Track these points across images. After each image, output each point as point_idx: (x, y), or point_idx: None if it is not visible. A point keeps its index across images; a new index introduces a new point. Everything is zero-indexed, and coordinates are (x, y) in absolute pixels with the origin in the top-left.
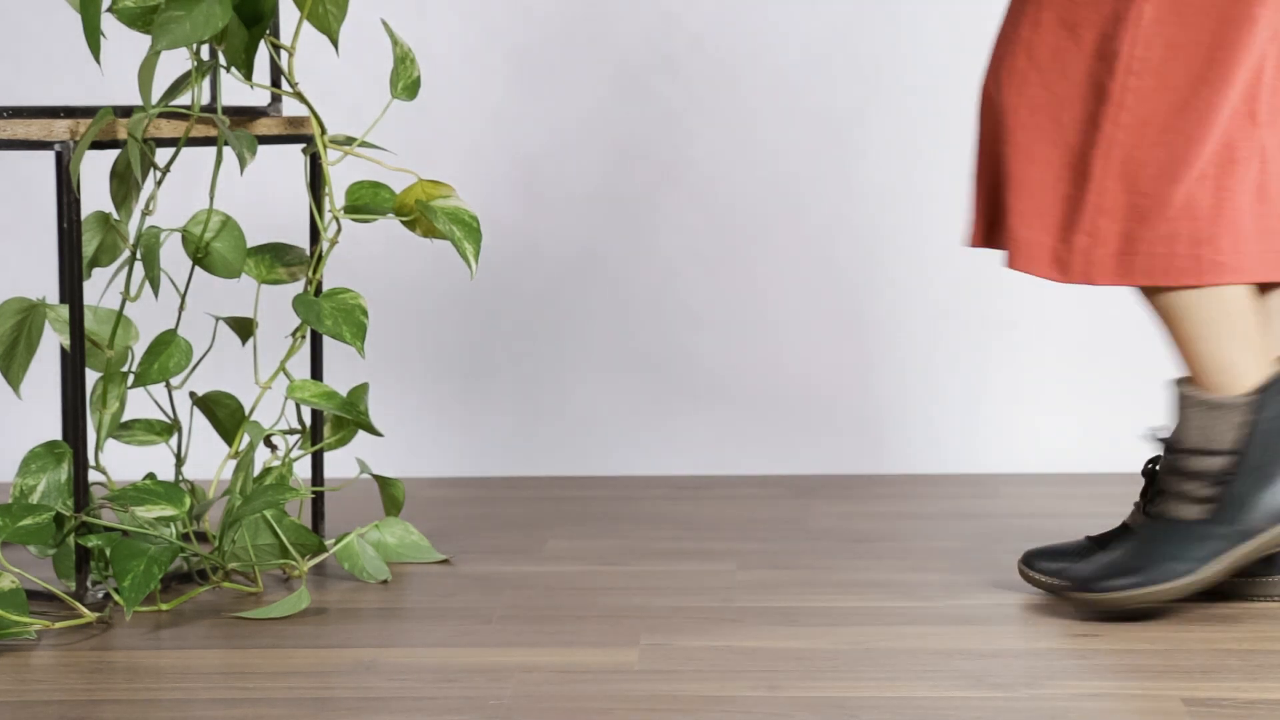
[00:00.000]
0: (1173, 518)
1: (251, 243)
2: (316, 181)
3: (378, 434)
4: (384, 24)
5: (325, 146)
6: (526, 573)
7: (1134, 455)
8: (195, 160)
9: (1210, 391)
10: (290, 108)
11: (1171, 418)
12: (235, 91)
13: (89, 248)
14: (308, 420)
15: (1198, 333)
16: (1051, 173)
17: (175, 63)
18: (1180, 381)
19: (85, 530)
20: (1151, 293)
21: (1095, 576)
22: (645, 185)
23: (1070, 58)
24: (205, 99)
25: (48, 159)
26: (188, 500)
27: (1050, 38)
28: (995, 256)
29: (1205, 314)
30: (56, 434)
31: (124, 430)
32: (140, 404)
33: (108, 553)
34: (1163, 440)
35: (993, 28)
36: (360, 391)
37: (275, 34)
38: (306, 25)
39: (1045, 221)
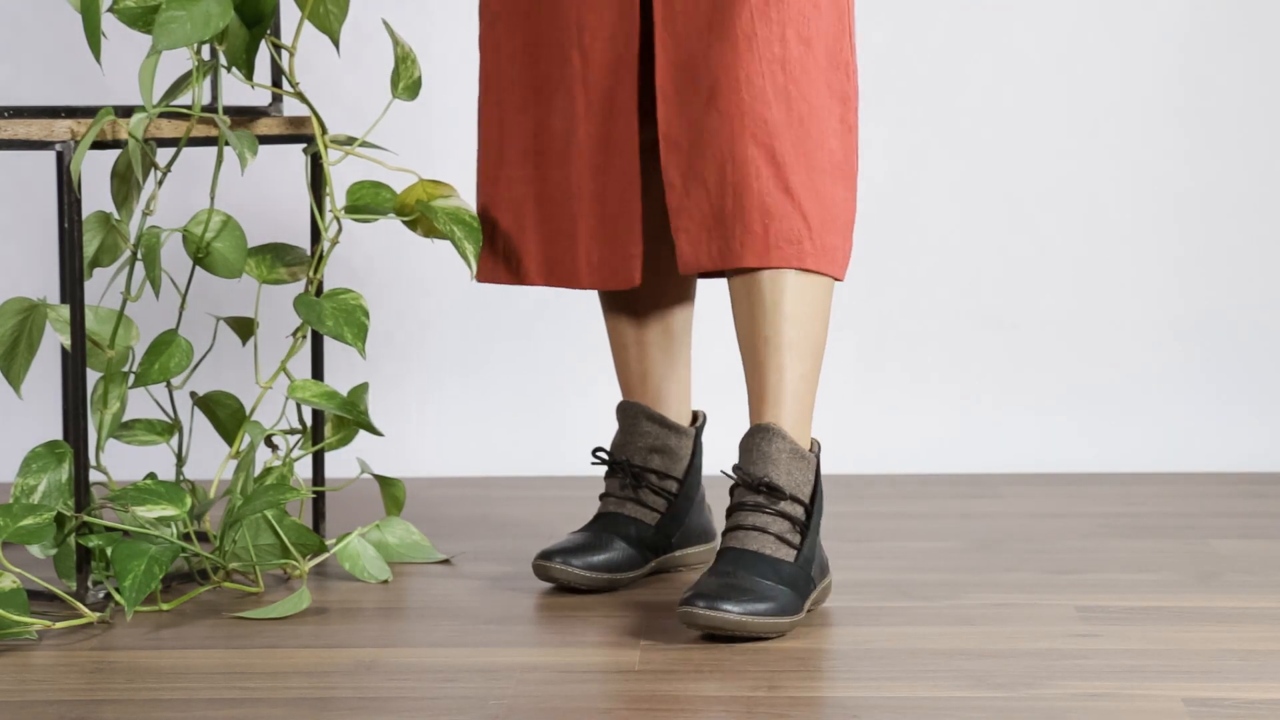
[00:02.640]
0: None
1: (252, 243)
2: (317, 181)
3: (378, 434)
4: (385, 24)
5: (326, 146)
6: (526, 573)
7: (1134, 455)
8: (196, 160)
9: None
10: (291, 108)
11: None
12: (236, 91)
13: (90, 248)
14: (308, 420)
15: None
16: (828, 180)
17: (176, 63)
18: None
19: (86, 530)
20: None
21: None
22: None
23: (813, 70)
24: (206, 99)
25: (48, 159)
26: (188, 500)
27: (795, 52)
28: (1022, 255)
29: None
30: (57, 434)
31: (125, 430)
32: (141, 404)
33: (108, 553)
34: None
35: (995, 27)
36: (360, 391)
37: (276, 34)
38: (307, 25)
39: (836, 226)
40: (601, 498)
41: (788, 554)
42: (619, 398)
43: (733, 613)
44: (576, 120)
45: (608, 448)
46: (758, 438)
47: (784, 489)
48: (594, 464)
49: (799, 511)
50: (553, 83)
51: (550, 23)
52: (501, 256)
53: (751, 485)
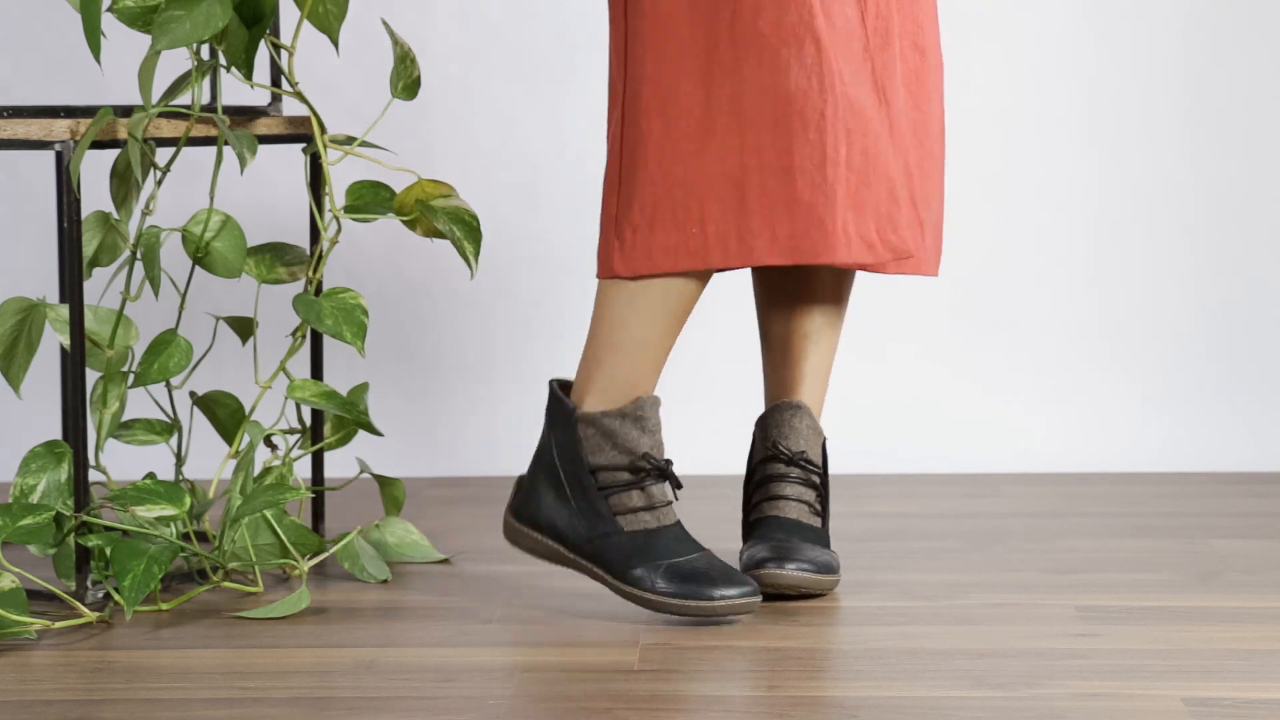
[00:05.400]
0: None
1: (251, 242)
2: (316, 181)
3: (378, 434)
4: (384, 24)
5: (325, 146)
6: (526, 573)
7: (1134, 455)
8: (195, 160)
9: None
10: (290, 107)
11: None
12: (235, 91)
13: (89, 247)
14: (308, 420)
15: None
16: (933, 185)
17: (175, 62)
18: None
19: (85, 530)
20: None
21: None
22: None
23: (927, 77)
24: (205, 99)
25: (48, 159)
26: (188, 500)
27: (912, 62)
28: (987, 256)
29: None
30: (56, 434)
31: (124, 430)
32: (140, 404)
33: (108, 552)
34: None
35: (994, 27)
36: (360, 391)
37: (275, 33)
38: (306, 25)
39: (938, 228)
40: (665, 506)
41: (816, 522)
42: None
43: (804, 571)
44: (827, 77)
45: (652, 455)
46: (787, 413)
47: (815, 463)
48: (654, 476)
49: (818, 484)
50: (799, 36)
51: None
52: (713, 238)
53: (786, 458)
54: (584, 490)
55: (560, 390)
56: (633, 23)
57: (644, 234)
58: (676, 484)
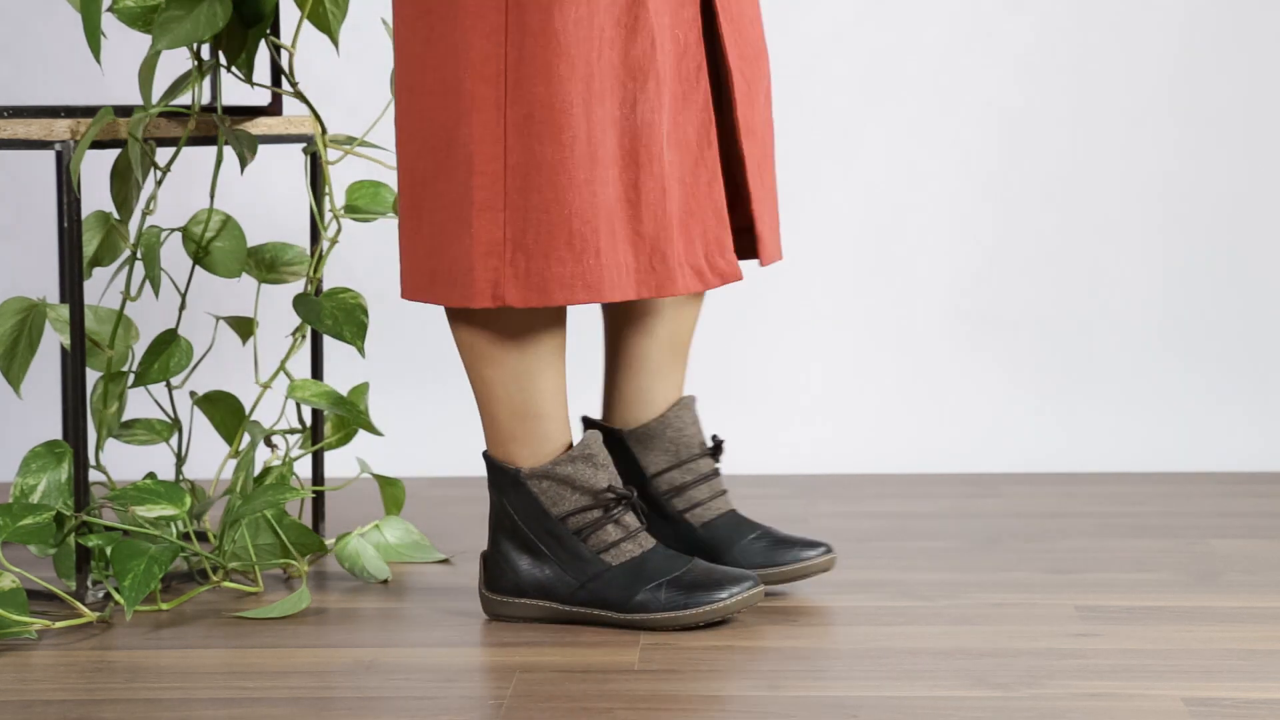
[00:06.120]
0: None
1: (252, 242)
2: (316, 181)
3: (378, 434)
4: (384, 24)
5: (325, 146)
6: None
7: (1134, 455)
8: (195, 160)
9: None
10: (290, 107)
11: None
12: (235, 91)
13: (89, 247)
14: (308, 420)
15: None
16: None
17: (176, 62)
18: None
19: (86, 530)
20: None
21: None
22: None
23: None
24: (205, 99)
25: (48, 159)
26: (188, 500)
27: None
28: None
29: None
30: (57, 434)
31: (124, 430)
32: (140, 404)
33: (108, 552)
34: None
35: (988, 29)
36: (360, 391)
37: (275, 34)
38: (306, 25)
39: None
40: (641, 532)
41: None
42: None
43: (823, 554)
44: (662, 111)
45: (614, 487)
46: (691, 411)
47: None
48: (622, 506)
49: None
50: (644, 70)
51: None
52: (607, 270)
53: (711, 451)
54: (559, 541)
55: (495, 458)
56: (517, 40)
57: (539, 263)
58: (642, 509)
